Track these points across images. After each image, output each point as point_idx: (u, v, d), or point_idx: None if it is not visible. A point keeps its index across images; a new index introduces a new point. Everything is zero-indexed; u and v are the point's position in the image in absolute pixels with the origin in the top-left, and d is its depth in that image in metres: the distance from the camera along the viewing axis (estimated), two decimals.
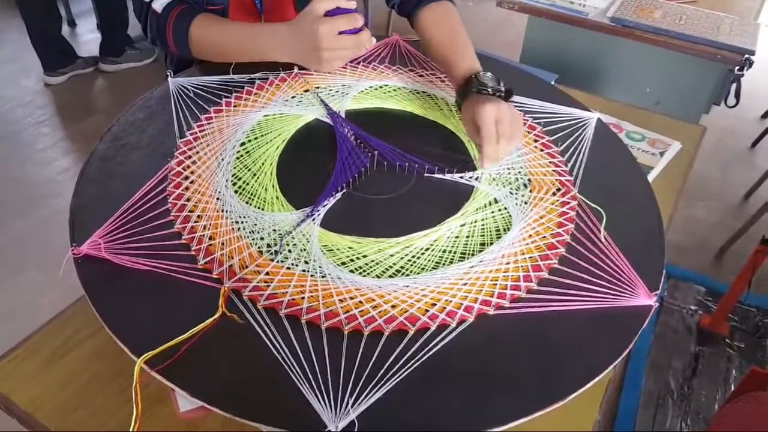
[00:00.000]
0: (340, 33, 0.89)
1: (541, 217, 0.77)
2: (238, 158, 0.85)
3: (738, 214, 2.31)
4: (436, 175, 0.84)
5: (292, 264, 0.69)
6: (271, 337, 0.61)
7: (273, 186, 0.80)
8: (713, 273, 2.05)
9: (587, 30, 1.73)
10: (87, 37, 3.36)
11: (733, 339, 1.79)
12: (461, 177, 0.83)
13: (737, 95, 1.64)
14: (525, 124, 0.95)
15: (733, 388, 1.62)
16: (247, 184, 0.81)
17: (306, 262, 0.69)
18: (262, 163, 0.84)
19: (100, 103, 2.90)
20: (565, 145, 0.91)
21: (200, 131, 0.89)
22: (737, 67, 1.58)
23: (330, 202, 0.78)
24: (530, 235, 0.75)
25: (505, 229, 0.76)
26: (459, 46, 0.99)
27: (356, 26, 0.89)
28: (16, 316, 1.72)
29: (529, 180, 0.84)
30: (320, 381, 0.57)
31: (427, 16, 1.06)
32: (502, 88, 0.88)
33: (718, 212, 2.34)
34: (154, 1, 1.01)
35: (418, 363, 0.60)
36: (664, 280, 0.72)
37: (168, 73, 0.99)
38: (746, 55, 1.56)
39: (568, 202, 0.80)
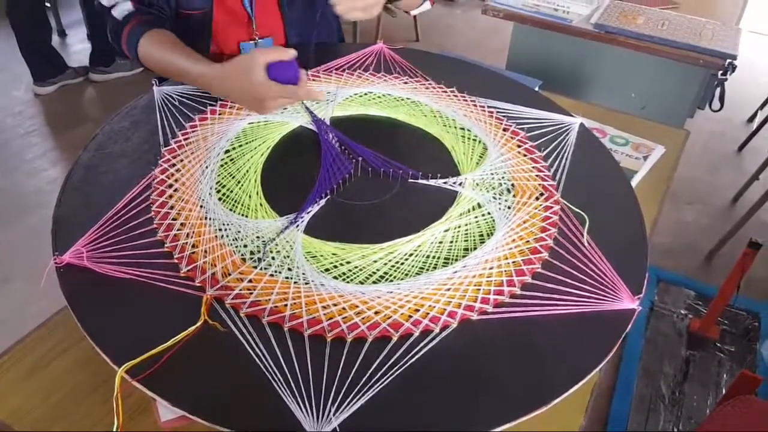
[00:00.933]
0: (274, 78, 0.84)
1: (524, 222, 0.78)
2: (222, 166, 0.85)
3: (726, 217, 2.32)
4: (420, 181, 0.84)
5: (276, 271, 0.69)
6: (254, 345, 0.61)
7: (257, 193, 0.80)
8: (702, 276, 2.05)
9: (571, 36, 1.75)
10: (77, 47, 3.35)
11: (724, 342, 1.80)
12: (445, 182, 0.84)
13: (721, 99, 1.65)
14: (508, 130, 0.95)
15: (724, 392, 1.62)
16: (231, 191, 0.80)
17: (289, 269, 0.69)
18: (247, 171, 0.84)
19: (90, 113, 2.89)
20: (548, 150, 0.92)
21: (185, 139, 0.89)
22: (720, 72, 1.60)
23: (314, 209, 0.78)
24: (513, 240, 0.75)
25: (488, 234, 0.76)
26: None
27: (298, 74, 0.85)
28: (4, 325, 1.71)
29: (513, 185, 0.84)
30: (303, 389, 0.57)
31: None
32: None
33: (707, 215, 2.35)
34: (114, 8, 1.00)
35: (401, 369, 0.59)
36: (650, 284, 0.72)
37: (153, 82, 0.99)
38: (728, 60, 1.57)
39: (551, 207, 0.80)
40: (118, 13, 1.00)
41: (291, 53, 0.83)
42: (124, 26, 1.00)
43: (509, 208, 0.80)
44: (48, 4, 3.17)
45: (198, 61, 0.92)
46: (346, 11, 0.89)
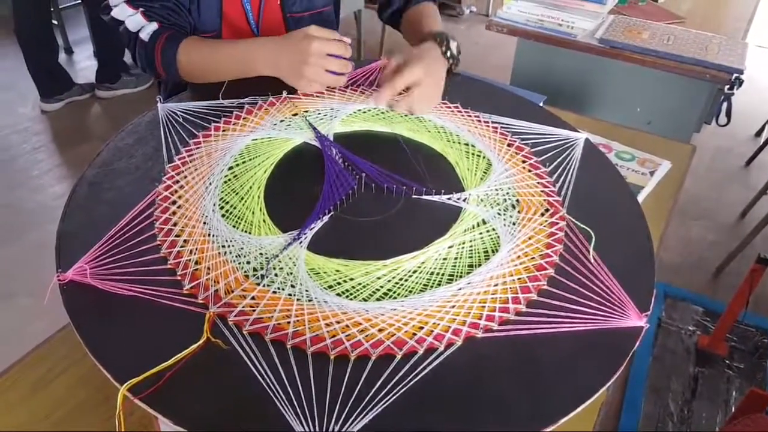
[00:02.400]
0: (329, 56, 0.89)
1: (529, 238, 0.77)
2: (225, 182, 0.85)
3: (734, 233, 2.31)
4: (424, 197, 0.84)
5: (279, 288, 0.68)
6: (257, 363, 0.60)
7: (260, 209, 0.80)
8: (710, 293, 2.04)
9: (576, 51, 1.75)
10: (84, 64, 3.39)
11: (732, 359, 1.78)
12: (449, 198, 0.83)
13: (728, 114, 1.65)
14: (513, 145, 0.95)
15: (733, 410, 1.60)
16: (235, 207, 0.80)
17: (292, 286, 0.69)
18: (250, 187, 0.84)
19: (96, 130, 2.92)
20: (553, 165, 0.91)
21: (188, 156, 0.89)
22: (727, 86, 1.60)
23: (317, 225, 0.78)
24: (519, 257, 0.74)
25: (493, 251, 0.75)
26: (436, 22, 1.02)
27: (345, 54, 0.89)
28: (8, 342, 1.70)
29: (518, 201, 0.84)
30: (306, 407, 0.56)
31: (411, 11, 1.10)
32: (456, 53, 0.87)
33: (714, 231, 2.34)
34: (141, 30, 1.02)
35: (405, 388, 0.59)
36: (657, 300, 0.71)
37: (158, 98, 0.99)
38: (735, 74, 1.57)
39: (557, 223, 0.80)
40: (145, 35, 1.01)
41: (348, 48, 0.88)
42: (155, 44, 1.01)
43: (514, 224, 0.80)
44: (55, 22, 3.21)
45: (247, 40, 0.96)
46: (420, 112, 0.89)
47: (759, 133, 2.93)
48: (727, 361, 1.77)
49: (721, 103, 1.66)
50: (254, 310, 0.65)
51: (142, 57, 1.04)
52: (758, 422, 1.11)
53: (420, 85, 0.80)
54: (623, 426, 1.57)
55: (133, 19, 1.02)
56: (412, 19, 1.07)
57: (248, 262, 0.72)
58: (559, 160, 0.92)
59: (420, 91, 0.81)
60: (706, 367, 1.75)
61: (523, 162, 0.92)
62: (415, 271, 0.72)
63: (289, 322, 0.64)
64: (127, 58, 3.06)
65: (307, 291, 0.68)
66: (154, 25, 1.02)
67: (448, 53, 0.86)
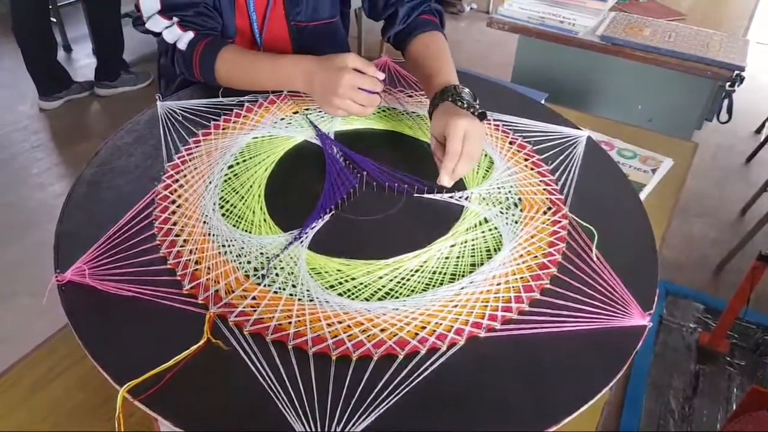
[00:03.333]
0: (359, 89, 0.88)
1: (531, 237, 0.76)
2: (226, 181, 0.84)
3: (735, 230, 2.31)
4: (426, 196, 0.83)
5: (279, 288, 0.68)
6: (257, 363, 0.60)
7: (261, 208, 0.80)
8: (711, 290, 2.03)
9: (577, 49, 1.74)
10: (83, 62, 3.38)
11: (733, 357, 1.78)
12: (451, 197, 0.83)
13: (729, 111, 1.64)
14: (514, 143, 0.95)
15: (734, 407, 1.60)
16: (235, 207, 0.80)
17: (293, 286, 0.68)
18: (250, 186, 0.83)
19: (96, 128, 2.91)
20: (555, 163, 0.91)
21: (188, 154, 0.88)
22: (728, 83, 1.59)
23: (318, 224, 0.77)
24: (521, 255, 0.74)
25: (495, 249, 0.75)
26: (442, 60, 0.99)
27: (376, 89, 0.89)
28: (8, 341, 1.70)
29: (520, 199, 0.83)
30: (307, 408, 0.56)
31: (417, 41, 1.06)
32: (477, 106, 0.87)
33: (715, 228, 2.33)
34: (179, 41, 1.01)
35: (407, 388, 0.58)
36: (659, 298, 0.70)
37: (157, 96, 0.99)
38: (736, 71, 1.57)
39: (559, 221, 0.79)
40: (182, 44, 1.01)
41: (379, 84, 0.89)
42: (193, 52, 1.00)
43: (516, 222, 0.79)
44: (54, 20, 3.20)
45: (287, 56, 0.96)
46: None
47: (759, 130, 2.92)
48: (728, 359, 1.77)
49: (722, 100, 1.65)
50: (255, 311, 0.65)
51: (180, 64, 1.03)
52: (760, 420, 1.11)
53: (469, 139, 0.81)
54: (624, 423, 1.57)
55: (170, 31, 1.02)
56: (418, 55, 1.04)
57: (249, 262, 0.71)
58: (561, 158, 0.92)
59: (468, 147, 0.82)
60: (707, 365, 1.75)
61: (525, 160, 0.91)
62: (417, 271, 0.71)
63: (290, 323, 0.63)
64: (126, 55, 3.05)
65: (308, 291, 0.67)
66: (191, 34, 1.01)
67: (466, 105, 0.86)
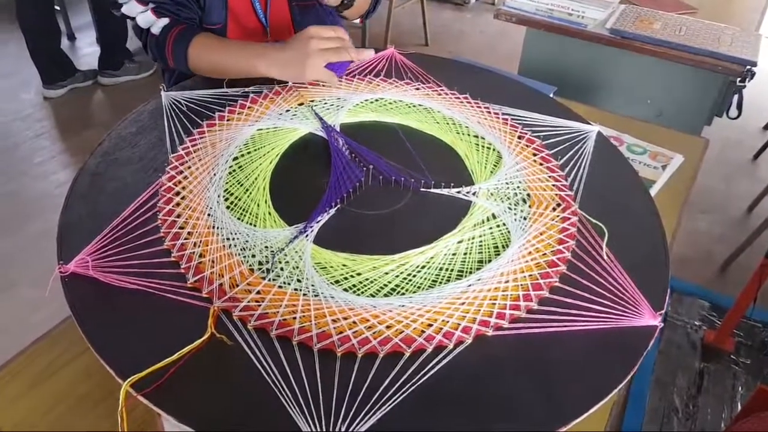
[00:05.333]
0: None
1: (540, 234, 0.75)
2: (230, 173, 0.83)
3: (742, 227, 2.29)
4: (433, 190, 0.82)
5: (284, 282, 0.67)
6: (262, 359, 0.59)
7: (266, 201, 0.79)
8: (717, 287, 2.02)
9: (586, 42, 1.72)
10: (86, 51, 3.36)
11: (739, 355, 1.76)
12: (458, 192, 0.82)
13: (739, 107, 1.63)
14: (523, 138, 0.93)
15: (739, 406, 1.59)
16: (239, 199, 0.79)
17: (298, 281, 0.67)
18: (255, 178, 0.82)
19: (99, 117, 2.89)
20: (564, 159, 0.89)
21: (192, 146, 0.87)
22: (739, 79, 1.57)
23: (324, 218, 0.76)
24: (530, 252, 0.72)
25: (503, 246, 0.74)
26: None
27: (344, 58, 0.93)
28: (9, 332, 1.70)
29: (528, 195, 0.82)
30: (312, 405, 0.55)
31: None
32: None
33: (722, 225, 2.31)
34: (153, 26, 1.04)
35: (413, 387, 0.57)
36: (667, 297, 0.69)
37: (161, 87, 0.98)
38: (748, 66, 1.55)
39: (569, 218, 0.78)
40: (156, 29, 1.04)
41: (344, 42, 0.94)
42: (167, 38, 1.03)
43: (525, 218, 0.78)
44: (58, 8, 3.18)
45: (252, 43, 1.02)
46: None
47: (767, 127, 2.90)
48: (733, 357, 1.76)
49: (733, 95, 1.63)
50: (259, 305, 0.64)
51: (153, 49, 1.06)
52: (767, 421, 1.10)
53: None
54: (628, 421, 1.56)
55: (144, 16, 1.04)
56: None
57: (253, 256, 0.70)
58: (570, 153, 0.90)
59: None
60: (712, 363, 1.74)
61: (534, 155, 0.90)
62: (423, 267, 0.70)
63: (295, 318, 0.63)
64: (130, 45, 3.03)
65: (313, 286, 0.66)
66: (165, 20, 1.04)
67: None
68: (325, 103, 0.98)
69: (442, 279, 0.69)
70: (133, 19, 1.05)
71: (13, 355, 0.76)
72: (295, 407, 0.55)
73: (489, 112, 0.98)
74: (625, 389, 1.60)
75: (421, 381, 0.58)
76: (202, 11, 1.11)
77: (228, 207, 0.77)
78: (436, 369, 0.59)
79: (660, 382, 1.67)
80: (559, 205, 0.80)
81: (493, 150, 0.91)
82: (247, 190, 0.80)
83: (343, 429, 0.53)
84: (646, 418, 1.57)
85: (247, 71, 0.98)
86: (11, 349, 0.77)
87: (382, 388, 0.57)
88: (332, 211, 0.78)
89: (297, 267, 0.69)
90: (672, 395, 1.64)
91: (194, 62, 1.03)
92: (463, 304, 0.65)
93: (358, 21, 1.24)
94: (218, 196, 0.78)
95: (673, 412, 1.60)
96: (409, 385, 0.57)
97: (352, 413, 0.54)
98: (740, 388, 1.67)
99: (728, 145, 2.75)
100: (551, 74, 1.71)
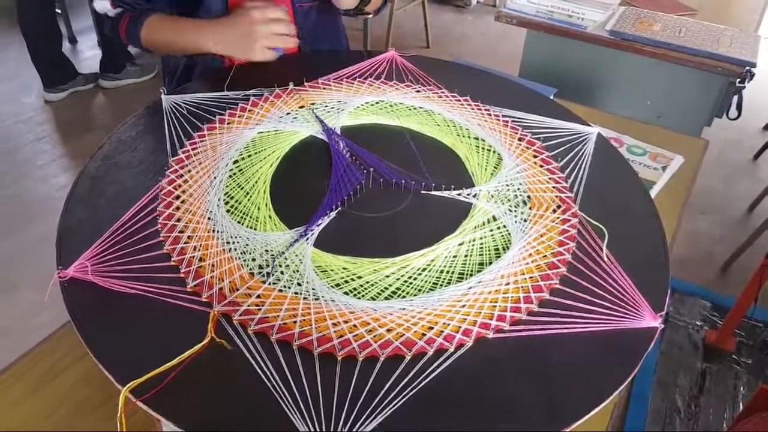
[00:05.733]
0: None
1: (541, 236, 0.75)
2: (231, 176, 0.83)
3: (742, 227, 2.29)
4: (434, 193, 0.82)
5: (285, 286, 0.67)
6: (262, 363, 0.59)
7: (266, 205, 0.79)
8: (718, 287, 2.02)
9: (586, 43, 1.72)
10: (87, 54, 3.37)
11: (740, 355, 1.76)
12: (459, 194, 0.82)
13: (739, 107, 1.63)
14: (523, 140, 0.93)
15: (741, 406, 1.59)
16: (240, 203, 0.79)
17: (299, 284, 0.67)
18: (256, 182, 0.82)
19: (100, 120, 2.90)
20: (564, 160, 0.89)
21: (193, 149, 0.87)
22: (738, 80, 1.57)
23: (324, 221, 0.76)
24: (530, 254, 0.72)
25: (504, 248, 0.74)
26: None
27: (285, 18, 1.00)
28: (10, 335, 1.70)
29: (529, 197, 0.82)
30: (312, 409, 0.55)
31: None
32: None
33: (722, 225, 2.31)
34: (108, 12, 1.09)
35: (414, 390, 0.57)
36: (668, 298, 0.69)
37: (162, 90, 0.98)
38: (747, 67, 1.55)
39: (569, 220, 0.78)
40: (111, 13, 1.10)
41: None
42: (121, 17, 1.09)
43: (525, 220, 0.78)
44: (59, 11, 3.19)
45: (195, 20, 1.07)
46: None
47: (767, 127, 2.90)
48: (735, 357, 1.75)
49: (732, 96, 1.63)
50: (260, 309, 0.64)
51: (108, 26, 1.12)
52: None
53: None
54: (630, 422, 1.56)
55: (99, 3, 1.09)
56: None
57: (254, 259, 0.70)
58: (571, 155, 0.90)
59: None
60: (714, 363, 1.74)
61: (535, 157, 0.90)
62: (424, 269, 0.70)
63: (295, 322, 0.62)
64: (132, 48, 3.04)
65: (313, 289, 0.66)
66: (119, 10, 1.09)
67: None
68: (326, 106, 0.98)
69: (442, 281, 0.69)
70: (91, 1, 1.12)
71: (16, 358, 0.76)
72: (295, 411, 0.55)
73: (489, 114, 0.99)
74: (626, 390, 1.59)
75: (422, 384, 0.58)
76: (195, 5, 1.11)
77: (228, 210, 0.77)
78: (437, 372, 0.59)
79: (662, 383, 1.67)
80: (559, 206, 0.80)
81: (494, 152, 0.91)
82: (247, 193, 0.80)
83: (344, 431, 0.53)
84: (648, 419, 1.57)
85: (197, 49, 1.03)
86: (13, 351, 0.77)
87: (383, 392, 0.57)
88: (333, 214, 0.78)
89: (297, 270, 0.69)
90: (674, 395, 1.64)
91: (147, 40, 1.08)
92: (463, 306, 0.65)
93: (371, 15, 1.26)
94: (218, 200, 0.78)
95: (675, 413, 1.60)
96: (410, 388, 0.57)
97: (353, 417, 0.54)
98: (742, 388, 1.67)
99: (728, 146, 2.75)
100: (552, 76, 1.71)
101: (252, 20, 0.98)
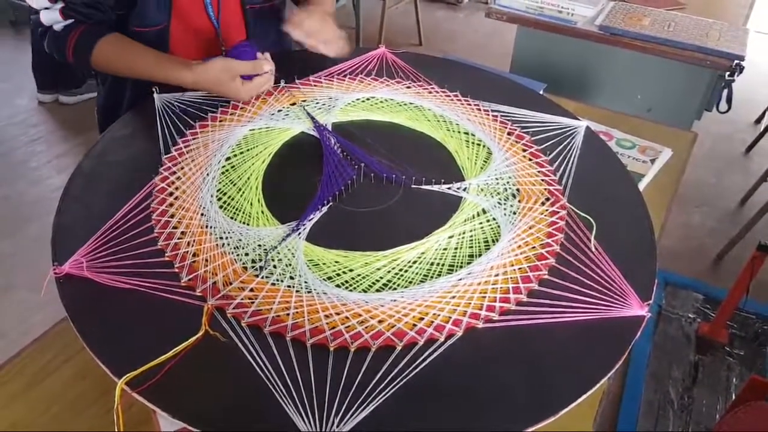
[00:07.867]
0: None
1: (530, 228, 0.76)
2: (223, 173, 0.84)
3: (734, 220, 2.30)
4: (424, 187, 0.83)
5: (277, 280, 0.68)
6: (255, 355, 0.60)
7: (258, 200, 0.79)
8: (711, 279, 2.03)
9: (576, 39, 1.73)
10: None
11: (733, 347, 1.78)
12: (449, 188, 0.83)
13: (729, 101, 1.64)
14: (513, 134, 0.94)
15: (734, 397, 1.60)
16: (232, 199, 0.80)
17: (291, 278, 0.68)
18: (248, 178, 0.83)
19: (93, 120, 2.88)
20: (553, 154, 0.90)
21: (185, 147, 0.88)
22: (728, 73, 1.58)
23: (316, 216, 0.77)
24: (519, 246, 0.74)
25: (493, 240, 0.75)
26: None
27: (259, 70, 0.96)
28: (6, 335, 1.70)
29: (518, 190, 0.83)
30: (305, 399, 0.56)
31: None
32: None
33: (714, 218, 2.33)
34: (55, 24, 0.98)
35: (405, 379, 0.58)
36: (658, 288, 0.70)
37: (154, 89, 0.98)
38: (736, 61, 1.56)
39: (558, 212, 0.79)
40: (59, 27, 0.99)
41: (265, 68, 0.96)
42: (68, 37, 0.98)
43: (514, 213, 0.79)
44: None
45: (171, 59, 0.99)
46: (311, 47, 1.03)
47: (759, 120, 2.91)
48: (727, 349, 1.77)
49: (722, 89, 1.64)
50: (253, 302, 0.65)
51: (51, 44, 1.01)
52: (759, 409, 1.11)
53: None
54: (623, 414, 1.57)
55: (49, 13, 0.98)
56: None
57: (246, 254, 0.71)
58: (559, 148, 0.92)
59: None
60: (707, 355, 1.75)
61: (524, 150, 0.91)
62: (415, 262, 0.71)
63: (288, 314, 0.63)
64: None
65: (306, 282, 0.67)
66: (70, 21, 0.99)
67: None
68: (317, 103, 0.99)
69: (433, 273, 0.70)
70: (36, 12, 0.98)
71: (11, 356, 0.76)
72: (288, 401, 0.56)
73: (479, 110, 1.00)
74: (619, 381, 1.61)
75: (412, 373, 0.59)
76: (127, 13, 1.02)
77: (221, 206, 0.78)
78: (427, 362, 0.60)
79: (655, 375, 1.68)
80: (548, 199, 0.81)
81: (483, 146, 0.92)
82: (240, 189, 0.81)
83: (336, 421, 0.54)
84: (641, 411, 1.58)
85: (172, 83, 0.97)
86: (10, 351, 0.78)
87: (374, 381, 0.58)
88: (324, 209, 0.78)
89: (290, 264, 0.70)
90: (667, 387, 1.65)
91: (101, 65, 1.01)
92: (453, 297, 0.66)
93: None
94: (211, 196, 0.79)
95: (668, 404, 1.61)
96: (401, 377, 0.58)
97: (345, 406, 0.55)
98: (734, 379, 1.69)
99: (720, 140, 2.76)
100: (542, 71, 1.72)
101: (239, 97, 0.96)
